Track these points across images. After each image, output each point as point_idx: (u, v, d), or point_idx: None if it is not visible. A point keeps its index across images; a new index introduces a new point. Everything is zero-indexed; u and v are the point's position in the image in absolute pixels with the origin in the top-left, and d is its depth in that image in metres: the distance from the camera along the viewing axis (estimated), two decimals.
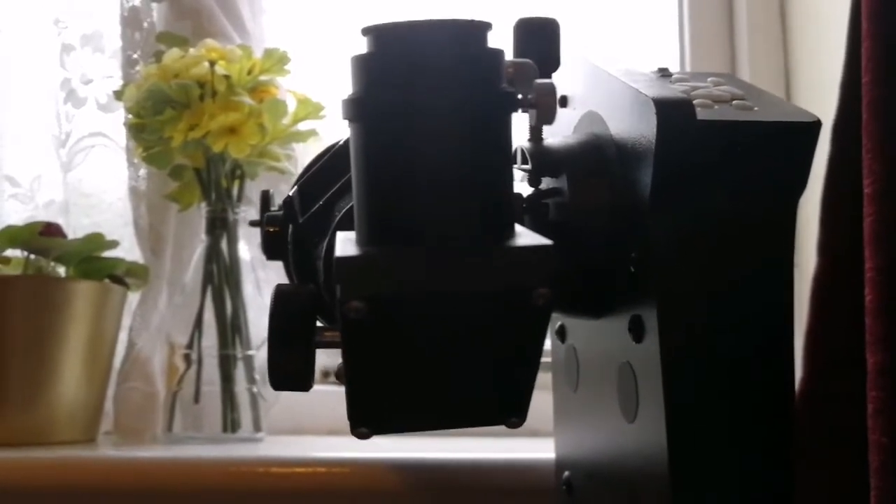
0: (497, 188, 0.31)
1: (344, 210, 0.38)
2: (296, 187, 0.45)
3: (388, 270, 0.26)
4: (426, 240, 0.27)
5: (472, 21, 0.29)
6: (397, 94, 0.29)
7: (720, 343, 0.39)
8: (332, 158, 0.43)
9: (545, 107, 0.40)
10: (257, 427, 0.76)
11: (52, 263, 0.76)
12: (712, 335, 0.39)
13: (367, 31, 0.30)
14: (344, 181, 0.41)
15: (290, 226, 0.42)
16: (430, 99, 0.29)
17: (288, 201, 0.42)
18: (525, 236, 0.29)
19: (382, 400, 0.32)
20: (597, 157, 0.45)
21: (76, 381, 0.74)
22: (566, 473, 0.53)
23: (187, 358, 0.76)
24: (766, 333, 0.40)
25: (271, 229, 0.45)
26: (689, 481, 0.39)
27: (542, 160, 0.46)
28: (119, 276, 0.78)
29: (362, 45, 0.30)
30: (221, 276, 0.79)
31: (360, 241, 0.29)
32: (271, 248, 0.45)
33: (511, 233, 0.29)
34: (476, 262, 0.27)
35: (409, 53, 0.28)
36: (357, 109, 0.30)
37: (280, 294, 0.35)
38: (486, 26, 0.30)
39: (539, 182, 0.46)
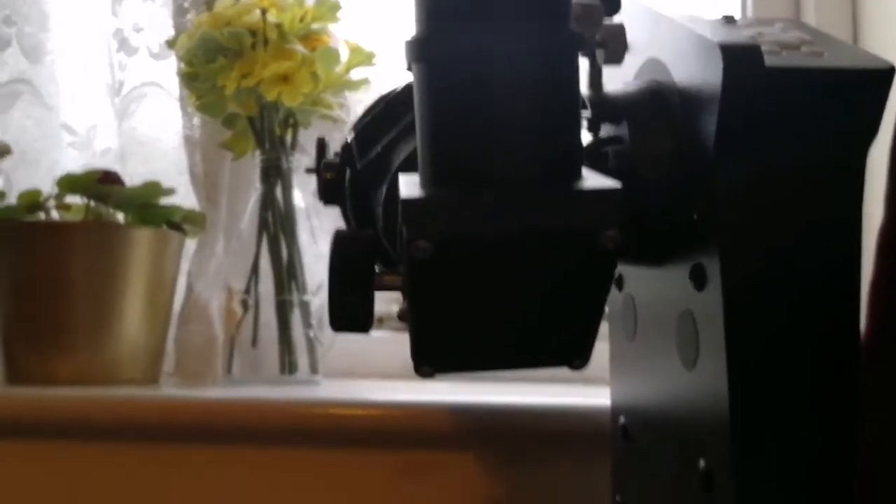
0: (565, 129, 0.31)
1: (403, 157, 0.39)
2: (354, 133, 0.45)
3: (454, 211, 0.26)
4: (493, 181, 0.27)
5: None
6: (464, 34, 0.29)
7: (784, 294, 0.39)
8: (390, 105, 0.43)
9: (615, 46, 0.40)
10: (314, 370, 0.78)
11: (112, 210, 0.78)
12: (776, 285, 0.39)
13: None
14: (402, 127, 0.42)
15: (348, 171, 0.43)
16: (497, 37, 0.28)
17: (346, 147, 0.42)
18: (593, 179, 0.29)
19: (446, 339, 0.32)
20: (659, 104, 0.44)
21: (138, 324, 0.76)
22: (622, 419, 0.54)
23: (244, 303, 0.78)
24: (831, 285, 0.39)
25: (328, 176, 0.46)
26: (750, 430, 0.39)
27: (603, 107, 0.46)
28: (176, 222, 0.80)
29: None
30: (276, 223, 0.80)
31: (425, 184, 0.29)
32: (328, 194, 0.46)
33: (579, 175, 0.29)
34: (544, 204, 0.27)
35: None
36: (422, 50, 0.30)
37: (340, 238, 0.36)
38: None
39: (598, 129, 0.46)
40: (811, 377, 0.39)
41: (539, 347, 0.34)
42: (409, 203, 0.27)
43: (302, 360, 0.78)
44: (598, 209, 0.27)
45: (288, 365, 0.77)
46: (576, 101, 0.32)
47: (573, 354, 0.32)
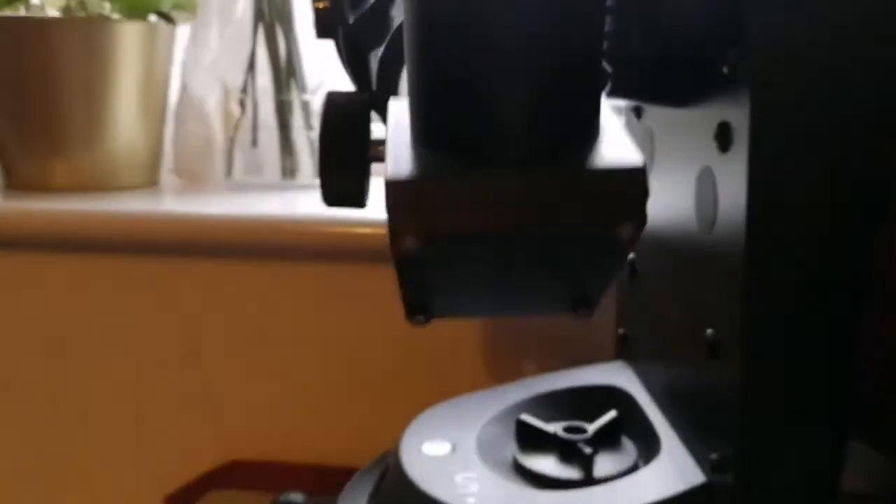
0: (586, 77, 0.24)
1: (400, 21, 0.34)
2: None
3: (446, 204, 0.22)
4: (494, 154, 0.22)
5: None
6: None
7: (818, 171, 0.36)
8: None
9: None
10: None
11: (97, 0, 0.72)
12: (811, 161, 0.36)
13: None
14: None
15: (340, 28, 0.37)
16: None
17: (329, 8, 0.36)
18: (611, 144, 0.23)
19: (440, 300, 0.29)
20: None
21: (132, 125, 0.73)
22: (631, 254, 0.52)
23: (242, 103, 0.74)
24: (869, 166, 0.36)
25: (321, 5, 0.41)
26: (762, 304, 0.37)
27: None
28: (165, 13, 0.74)
29: None
30: (273, 13, 0.74)
31: (417, 141, 0.24)
32: (324, 27, 0.41)
33: (596, 134, 0.24)
34: (551, 192, 0.22)
35: None
36: None
37: (331, 102, 0.32)
38: None
39: None
40: (833, 257, 0.37)
41: (541, 304, 0.31)
42: (393, 188, 0.22)
43: (304, 162, 0.75)
44: (617, 199, 0.22)
45: (290, 170, 0.74)
46: (599, 28, 0.25)
47: (579, 306, 0.28)
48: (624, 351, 0.54)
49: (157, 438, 0.68)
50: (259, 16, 0.74)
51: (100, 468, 0.69)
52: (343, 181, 0.32)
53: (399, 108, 0.26)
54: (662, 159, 0.47)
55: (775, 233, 0.36)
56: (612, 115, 0.25)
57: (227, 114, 0.75)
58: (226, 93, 0.75)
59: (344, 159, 0.32)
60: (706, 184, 0.40)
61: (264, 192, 0.73)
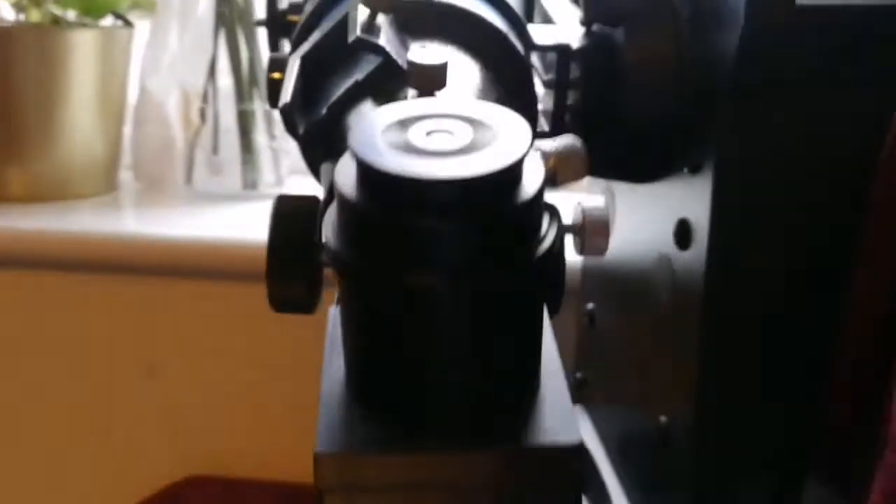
0: (527, 351, 0.23)
1: (350, 128, 0.32)
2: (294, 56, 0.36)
3: (376, 482, 0.21)
4: (429, 424, 0.22)
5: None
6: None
7: (772, 265, 0.36)
8: (332, 34, 0.35)
9: None
10: (279, 182, 0.75)
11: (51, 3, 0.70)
12: (767, 257, 0.36)
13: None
14: (350, 86, 0.34)
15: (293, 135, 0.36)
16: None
17: (286, 110, 0.34)
18: (551, 408, 0.22)
19: None
20: (666, 12, 0.38)
21: (89, 133, 0.71)
22: (590, 305, 0.53)
23: (202, 112, 0.73)
24: (824, 255, 0.36)
25: (276, 75, 0.39)
26: (714, 392, 0.37)
27: (599, 5, 0.39)
28: (122, 14, 0.72)
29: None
30: (234, 16, 0.72)
31: (350, 394, 0.23)
32: (276, 98, 0.39)
33: (535, 387, 0.23)
34: (486, 470, 0.21)
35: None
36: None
37: (280, 208, 0.32)
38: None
39: (591, 26, 0.40)
40: (789, 348, 0.37)
41: None
42: (323, 459, 0.21)
43: (266, 172, 0.74)
44: (553, 479, 0.22)
45: (251, 180, 0.73)
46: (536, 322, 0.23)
47: None
48: (580, 395, 0.55)
49: (115, 454, 0.68)
50: (220, 18, 0.72)
51: (59, 484, 0.69)
52: (290, 290, 0.31)
53: (335, 315, 0.25)
54: (623, 217, 0.47)
55: (730, 324, 0.37)
56: (550, 340, 0.25)
57: (186, 119, 0.74)
58: (185, 96, 0.74)
59: (292, 269, 0.31)
60: (664, 269, 0.40)
61: (225, 204, 0.72)
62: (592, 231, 0.24)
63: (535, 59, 0.40)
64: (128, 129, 0.76)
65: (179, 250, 0.63)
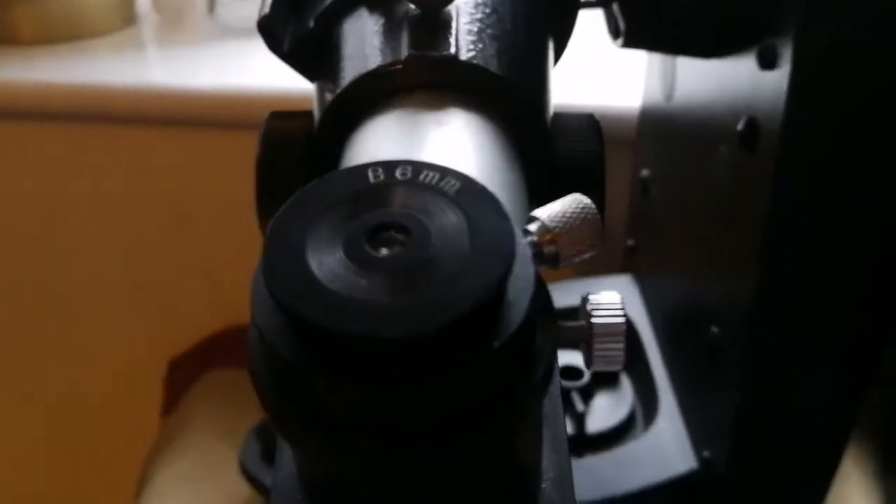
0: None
1: (343, 41, 0.27)
2: None
3: None
4: None
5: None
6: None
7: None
8: None
9: None
10: None
11: None
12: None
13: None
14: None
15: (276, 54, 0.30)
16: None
17: (265, 24, 0.28)
18: None
19: None
20: None
21: None
22: (644, 172, 0.48)
23: None
24: None
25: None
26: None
27: None
28: None
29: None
30: None
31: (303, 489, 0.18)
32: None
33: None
34: None
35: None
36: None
37: (268, 140, 0.27)
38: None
39: None
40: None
41: None
42: None
43: None
44: None
45: None
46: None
47: None
48: (632, 263, 0.51)
49: (153, 307, 0.68)
50: None
51: (98, 339, 0.70)
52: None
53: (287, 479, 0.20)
54: (686, 86, 0.41)
55: (793, 245, 0.32)
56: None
57: None
58: None
59: (282, 201, 0.27)
60: (726, 164, 0.35)
61: (251, 38, 0.66)
62: (602, 340, 0.19)
63: None
64: None
65: (205, 101, 0.59)
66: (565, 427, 0.19)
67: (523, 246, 0.16)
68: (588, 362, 0.20)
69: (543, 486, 0.18)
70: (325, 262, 0.15)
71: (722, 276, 0.36)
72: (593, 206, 0.17)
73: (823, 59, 0.29)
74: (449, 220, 0.15)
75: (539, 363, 0.15)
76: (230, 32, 0.67)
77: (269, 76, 0.60)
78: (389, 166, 0.16)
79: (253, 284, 0.16)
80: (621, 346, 0.19)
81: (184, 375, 0.67)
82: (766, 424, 0.34)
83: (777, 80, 0.30)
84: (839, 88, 0.29)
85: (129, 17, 0.69)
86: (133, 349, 0.69)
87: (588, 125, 0.27)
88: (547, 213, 0.17)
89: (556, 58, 0.30)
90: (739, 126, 0.32)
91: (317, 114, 0.27)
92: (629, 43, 0.35)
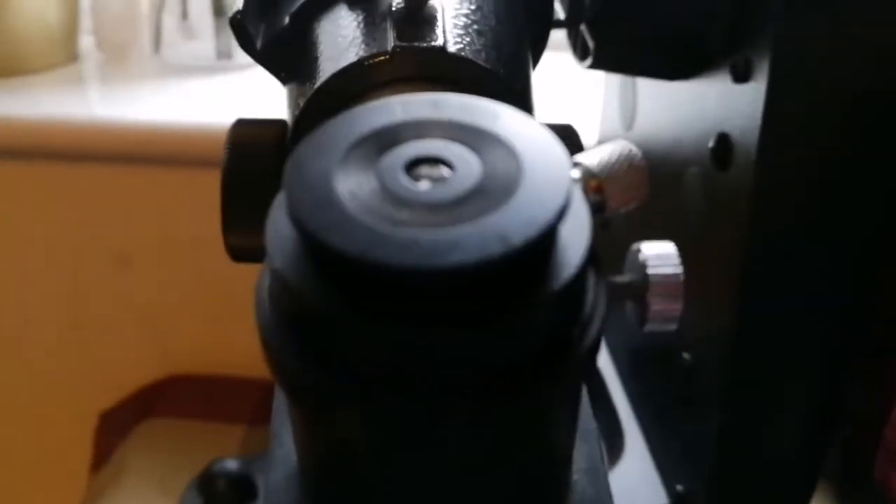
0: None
1: (317, 45, 0.26)
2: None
3: None
4: None
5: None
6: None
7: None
8: None
9: None
10: None
11: None
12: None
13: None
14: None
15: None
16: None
17: (237, 21, 0.27)
18: None
19: None
20: None
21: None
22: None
23: None
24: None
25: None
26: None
27: None
28: None
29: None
30: None
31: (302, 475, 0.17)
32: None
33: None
34: None
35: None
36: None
37: (236, 140, 0.26)
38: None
39: None
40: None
41: None
42: None
43: None
44: None
45: (225, 48, 0.66)
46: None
47: None
48: None
49: (91, 352, 0.64)
50: None
51: (33, 383, 0.66)
52: (251, 240, 0.26)
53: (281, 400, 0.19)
54: (645, 115, 0.40)
55: (772, 263, 0.31)
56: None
57: None
58: None
59: (251, 218, 0.26)
60: (696, 184, 0.34)
61: (197, 76, 0.65)
62: (659, 296, 0.18)
63: None
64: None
65: (149, 136, 0.57)
66: (593, 418, 0.18)
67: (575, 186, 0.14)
68: (643, 320, 0.18)
69: (574, 477, 0.16)
70: (358, 195, 0.13)
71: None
72: (639, 152, 0.16)
73: (800, 70, 0.28)
74: (497, 153, 0.14)
75: (595, 315, 0.14)
76: (175, 70, 0.66)
77: (214, 113, 0.58)
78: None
79: (267, 231, 0.14)
80: (680, 302, 0.18)
81: (116, 428, 0.63)
82: (745, 448, 0.33)
83: (751, 93, 0.29)
84: (816, 99, 0.29)
85: (71, 54, 0.67)
86: (61, 399, 0.65)
87: (568, 135, 0.26)
88: (592, 158, 0.16)
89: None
90: (710, 143, 0.32)
91: (289, 118, 0.26)
92: (598, 64, 0.35)
